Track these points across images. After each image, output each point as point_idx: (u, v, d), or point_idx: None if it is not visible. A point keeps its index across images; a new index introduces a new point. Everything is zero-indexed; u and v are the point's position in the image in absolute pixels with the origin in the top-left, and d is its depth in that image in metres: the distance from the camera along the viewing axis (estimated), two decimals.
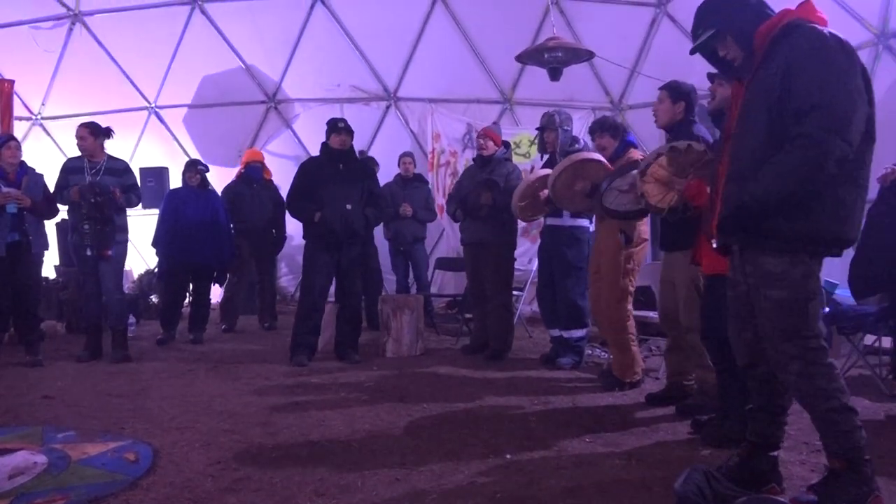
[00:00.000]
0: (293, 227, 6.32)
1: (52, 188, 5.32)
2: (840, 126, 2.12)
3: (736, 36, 2.41)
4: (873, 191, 4.32)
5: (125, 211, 5.42)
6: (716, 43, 2.47)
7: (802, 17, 2.30)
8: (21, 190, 5.01)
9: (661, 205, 3.25)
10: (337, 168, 5.23)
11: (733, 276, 2.50)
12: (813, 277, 2.30)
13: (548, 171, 4.80)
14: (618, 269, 4.30)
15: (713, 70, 2.84)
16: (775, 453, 2.50)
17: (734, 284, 2.49)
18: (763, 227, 2.27)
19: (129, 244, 5.62)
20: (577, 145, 4.95)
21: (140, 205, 5.72)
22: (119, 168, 5.36)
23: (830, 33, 2.23)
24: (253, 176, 7.06)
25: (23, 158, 5.23)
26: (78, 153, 5.33)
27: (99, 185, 5.13)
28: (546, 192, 4.60)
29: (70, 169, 5.28)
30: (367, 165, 6.06)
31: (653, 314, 4.90)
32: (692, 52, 2.56)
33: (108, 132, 5.33)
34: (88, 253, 5.18)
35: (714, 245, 2.55)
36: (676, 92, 3.69)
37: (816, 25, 2.26)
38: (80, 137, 5.22)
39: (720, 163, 2.51)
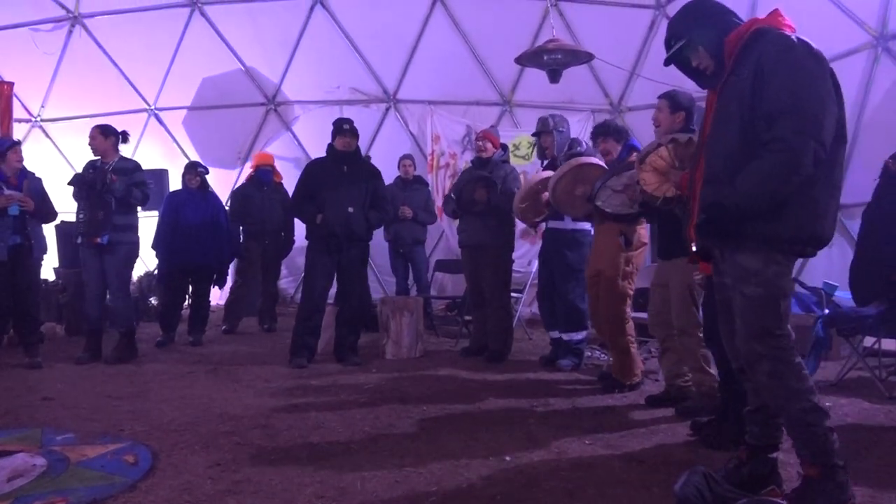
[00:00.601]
0: (300, 230, 6.33)
1: (52, 191, 5.32)
2: (812, 128, 2.15)
3: (707, 45, 2.44)
4: (865, 192, 4.33)
5: (134, 210, 5.42)
6: (688, 53, 2.50)
7: (771, 25, 2.33)
8: (23, 193, 5.01)
9: (657, 193, 3.30)
10: (341, 170, 5.22)
11: (719, 280, 2.51)
12: (785, 276, 2.33)
13: (549, 172, 4.80)
14: (617, 271, 4.29)
15: None
16: (774, 455, 2.50)
17: (721, 288, 2.50)
18: (740, 228, 2.30)
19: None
20: (579, 147, 4.95)
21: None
22: (129, 167, 5.37)
23: (799, 38, 2.27)
24: (263, 179, 7.06)
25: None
26: (82, 158, 5.36)
27: (94, 165, 5.20)
28: (547, 194, 4.60)
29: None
30: (375, 167, 6.04)
31: None
32: (666, 63, 2.59)
33: (121, 135, 5.34)
34: (79, 241, 5.19)
35: (693, 248, 2.57)
36: (675, 102, 3.66)
37: (785, 31, 2.29)
38: (91, 137, 5.29)
39: (697, 168, 2.54)
